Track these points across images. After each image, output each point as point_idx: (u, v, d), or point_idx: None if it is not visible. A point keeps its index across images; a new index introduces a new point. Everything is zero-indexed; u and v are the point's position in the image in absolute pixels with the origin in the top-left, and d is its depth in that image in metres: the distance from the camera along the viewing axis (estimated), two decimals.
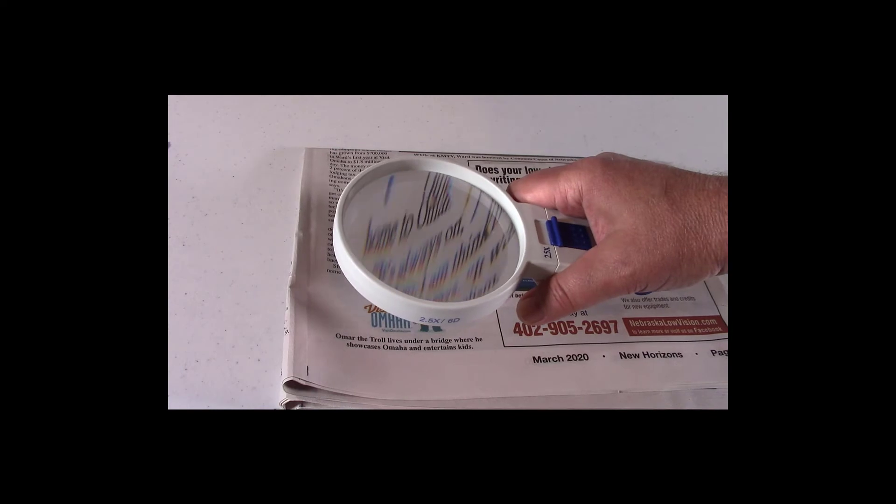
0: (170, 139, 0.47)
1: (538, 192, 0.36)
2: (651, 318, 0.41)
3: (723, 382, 0.38)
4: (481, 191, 0.38)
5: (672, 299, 0.42)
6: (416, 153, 0.48)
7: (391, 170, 0.37)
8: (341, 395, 0.34)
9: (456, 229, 0.36)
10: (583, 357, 0.38)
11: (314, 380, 0.34)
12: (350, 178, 0.45)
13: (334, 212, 0.42)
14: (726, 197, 0.31)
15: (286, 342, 0.36)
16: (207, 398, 0.35)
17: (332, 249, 0.41)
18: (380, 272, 0.32)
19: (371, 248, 0.34)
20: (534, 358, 0.38)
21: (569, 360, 0.38)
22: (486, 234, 0.36)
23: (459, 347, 0.38)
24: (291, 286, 0.38)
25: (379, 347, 0.37)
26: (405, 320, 0.37)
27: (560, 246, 0.35)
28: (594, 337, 0.39)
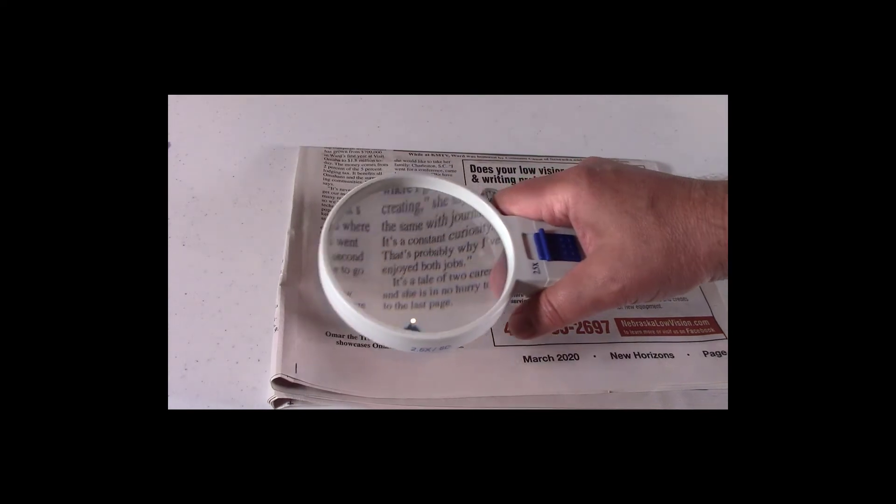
0: (170, 139, 0.47)
1: (524, 205, 0.36)
2: (643, 319, 0.40)
3: (714, 383, 0.38)
4: (467, 205, 0.37)
5: (665, 300, 0.42)
6: (411, 152, 0.48)
7: (375, 189, 0.36)
8: (330, 392, 0.34)
9: (443, 248, 0.36)
10: (573, 357, 0.38)
11: (302, 377, 0.34)
12: (344, 177, 0.45)
13: (327, 211, 0.43)
14: (712, 206, 0.31)
15: (275, 340, 0.36)
16: (207, 398, 0.35)
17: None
18: (366, 301, 0.32)
19: (357, 276, 0.33)
20: (524, 357, 0.38)
21: (559, 359, 0.38)
22: (473, 251, 0.36)
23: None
24: (282, 284, 0.38)
25: (368, 346, 0.37)
26: None
27: (548, 260, 0.34)
28: (585, 337, 0.39)
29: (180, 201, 0.43)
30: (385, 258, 0.34)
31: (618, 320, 0.40)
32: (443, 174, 0.47)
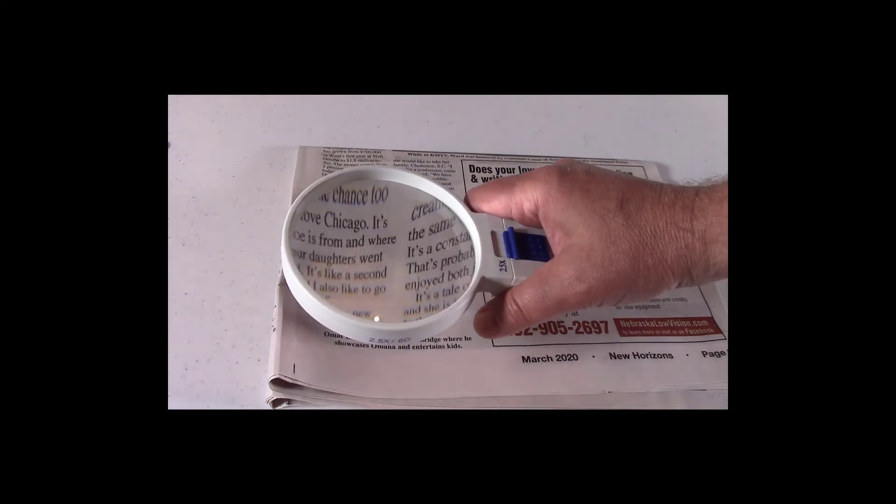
0: (170, 139, 0.47)
1: (494, 203, 0.35)
2: (642, 319, 0.40)
3: (712, 383, 0.38)
4: (438, 201, 0.37)
5: (664, 300, 0.42)
6: (410, 152, 0.48)
7: (343, 181, 0.36)
8: (328, 393, 0.34)
9: (411, 242, 0.35)
10: (572, 357, 0.38)
11: (300, 377, 0.34)
12: None
13: None
14: (681, 210, 0.31)
15: (273, 340, 0.36)
16: (207, 398, 0.35)
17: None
18: (328, 291, 0.32)
19: (319, 265, 0.33)
20: (523, 358, 0.38)
21: (558, 360, 0.38)
22: (441, 246, 0.36)
23: (448, 346, 0.37)
24: (281, 285, 0.38)
25: (367, 346, 0.37)
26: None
27: (516, 258, 0.34)
28: (584, 337, 0.39)
29: (180, 201, 0.43)
30: (350, 252, 0.34)
31: (617, 321, 0.40)
32: (442, 174, 0.47)
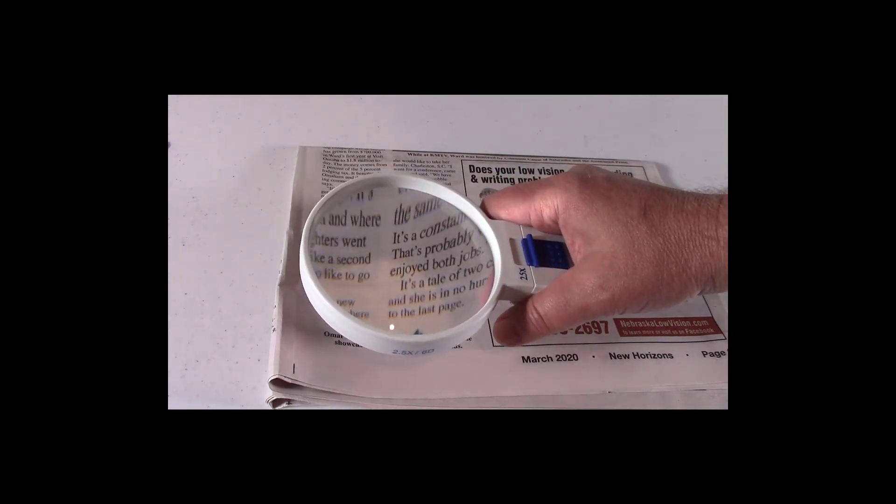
0: (170, 139, 0.47)
1: (513, 210, 0.35)
2: (642, 319, 0.40)
3: (712, 383, 0.38)
4: (455, 208, 0.37)
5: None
6: (410, 152, 0.48)
7: (360, 188, 0.36)
8: (328, 393, 0.34)
9: (429, 250, 0.35)
10: (572, 357, 0.38)
11: (300, 378, 0.34)
12: (343, 177, 0.45)
13: None
14: (706, 218, 0.31)
15: (273, 340, 0.36)
16: (207, 398, 0.35)
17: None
18: (348, 301, 0.32)
19: (339, 276, 0.33)
20: (522, 358, 0.38)
21: (558, 360, 0.38)
22: (460, 254, 0.36)
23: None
24: (280, 284, 0.38)
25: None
26: None
27: (536, 266, 0.34)
28: (584, 337, 0.39)
29: (180, 201, 0.43)
30: (369, 261, 0.34)
31: (617, 320, 0.40)
32: (442, 175, 0.47)
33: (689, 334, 0.40)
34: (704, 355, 0.39)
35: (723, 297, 0.42)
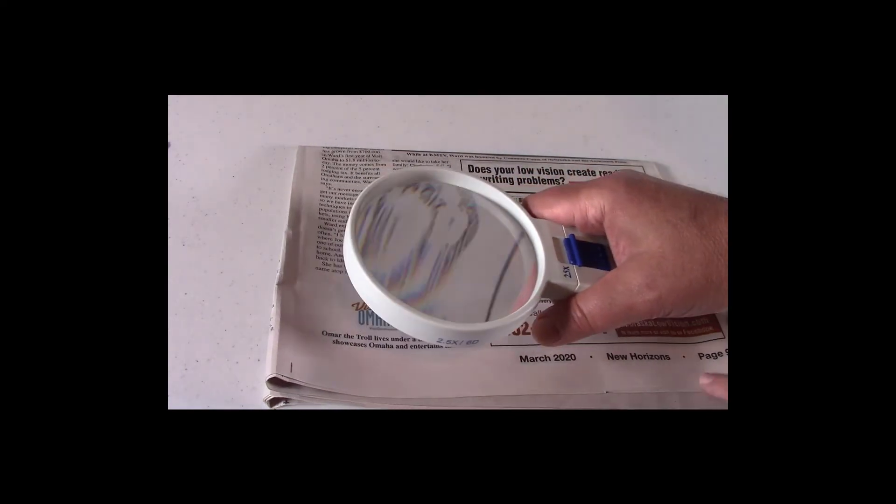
0: (170, 139, 0.47)
1: (556, 209, 0.35)
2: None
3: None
4: (497, 205, 0.37)
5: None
6: (409, 152, 0.48)
7: (404, 181, 0.36)
8: (325, 392, 0.34)
9: (472, 245, 0.35)
10: (570, 357, 0.38)
11: (298, 377, 0.34)
12: (342, 177, 0.45)
13: (325, 210, 0.43)
14: None
15: (271, 339, 0.36)
16: (207, 398, 0.35)
17: (322, 248, 0.41)
18: (395, 290, 0.32)
19: (384, 264, 0.33)
20: (521, 357, 0.38)
21: (556, 359, 0.38)
22: (502, 251, 0.36)
23: (447, 347, 0.37)
24: (279, 284, 0.38)
25: (365, 345, 0.37)
26: None
27: (580, 265, 0.34)
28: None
29: (180, 201, 0.43)
30: (413, 252, 0.34)
31: None
32: None
33: (688, 335, 0.40)
34: (701, 357, 0.39)
35: None
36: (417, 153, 0.48)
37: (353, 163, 0.47)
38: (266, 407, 0.34)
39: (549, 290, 0.34)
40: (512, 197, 0.37)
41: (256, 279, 0.39)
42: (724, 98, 0.35)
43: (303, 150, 0.47)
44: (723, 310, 0.33)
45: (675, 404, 0.37)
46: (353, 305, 0.38)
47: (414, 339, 0.37)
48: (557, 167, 0.49)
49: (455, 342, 0.32)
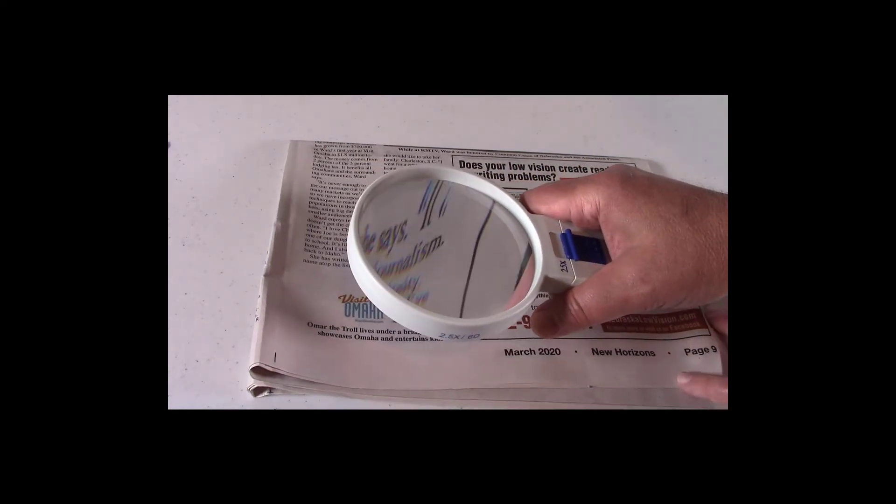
0: (170, 139, 0.47)
1: (553, 205, 0.36)
2: (627, 315, 0.40)
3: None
4: (494, 201, 0.38)
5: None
6: (401, 147, 0.48)
7: (404, 178, 0.37)
8: (309, 382, 0.35)
9: (469, 241, 0.36)
10: (555, 351, 0.38)
11: (281, 366, 0.34)
12: (333, 172, 0.46)
13: (315, 204, 0.43)
14: None
15: (256, 329, 0.36)
16: (207, 398, 0.35)
17: (311, 241, 0.41)
18: (395, 286, 0.32)
19: (385, 261, 0.33)
20: (505, 350, 0.38)
21: (540, 353, 0.38)
22: (499, 246, 0.36)
23: (431, 339, 0.37)
24: (266, 275, 0.38)
25: (351, 337, 0.37)
26: (378, 311, 0.37)
27: (576, 260, 0.35)
28: None
29: (180, 201, 0.43)
30: (412, 248, 0.34)
31: None
32: None
33: (674, 331, 0.40)
34: (687, 353, 0.39)
35: None
36: (409, 148, 0.48)
37: (345, 157, 0.47)
38: (251, 397, 0.35)
39: (547, 284, 0.34)
40: (510, 193, 0.37)
41: (256, 279, 0.39)
42: (724, 98, 0.35)
43: (295, 145, 0.47)
44: (714, 300, 0.33)
45: (659, 400, 0.37)
46: (339, 298, 0.38)
47: (400, 332, 0.37)
48: (549, 164, 0.49)
49: (457, 336, 0.32)
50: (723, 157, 0.32)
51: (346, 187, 0.45)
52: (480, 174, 0.39)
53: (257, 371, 0.34)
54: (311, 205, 0.43)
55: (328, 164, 0.46)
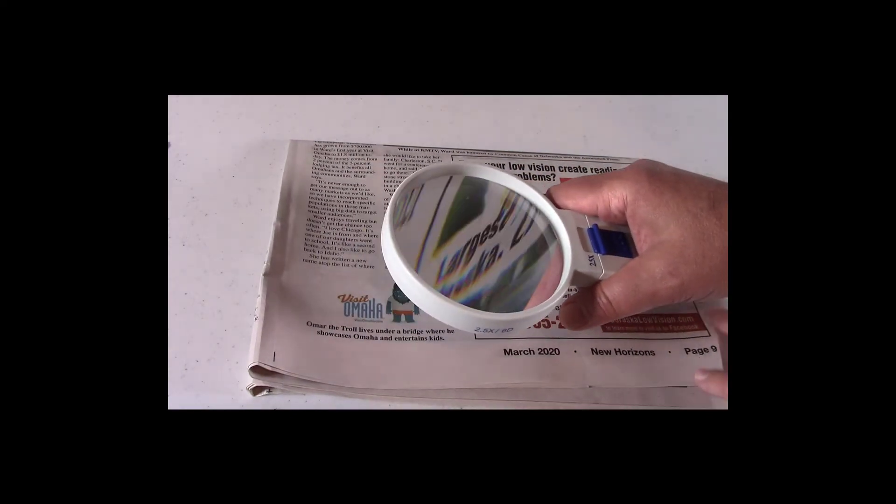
0: (170, 139, 0.47)
1: (580, 200, 0.37)
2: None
3: (693, 382, 0.37)
4: (522, 197, 0.38)
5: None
6: (400, 147, 0.48)
7: (434, 175, 0.37)
8: (308, 381, 0.35)
9: (498, 236, 0.36)
10: (554, 351, 0.38)
11: (280, 366, 0.34)
12: (333, 171, 0.46)
13: (314, 203, 0.43)
14: None
15: (255, 328, 0.36)
16: (207, 398, 0.35)
17: (311, 240, 0.41)
18: (433, 281, 0.33)
19: (422, 257, 0.34)
20: (504, 350, 0.38)
21: (540, 353, 0.38)
22: (529, 241, 0.37)
23: (430, 339, 0.38)
24: (265, 274, 0.39)
25: (350, 336, 0.37)
26: (378, 310, 0.38)
27: (603, 254, 0.35)
28: (567, 331, 0.39)
29: (180, 201, 0.43)
30: (444, 243, 0.35)
31: None
32: None
33: (674, 331, 0.40)
34: (687, 352, 0.39)
35: None
36: (408, 148, 0.48)
37: (345, 157, 0.47)
38: (250, 396, 0.35)
39: (576, 278, 0.35)
40: (538, 189, 0.38)
41: (256, 279, 0.39)
42: (724, 98, 0.35)
43: (294, 144, 0.47)
44: None
45: (658, 400, 0.37)
46: (338, 297, 0.39)
47: (399, 332, 0.38)
48: (549, 164, 0.49)
49: (491, 330, 0.33)
50: (723, 157, 0.32)
51: (346, 187, 0.45)
52: (519, 176, 0.40)
53: (256, 370, 0.34)
54: (311, 204, 0.43)
55: (328, 164, 0.46)
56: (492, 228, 0.37)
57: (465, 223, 0.36)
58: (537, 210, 0.38)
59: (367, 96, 0.52)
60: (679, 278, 0.33)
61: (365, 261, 0.41)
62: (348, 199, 0.44)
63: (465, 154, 0.49)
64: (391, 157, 0.47)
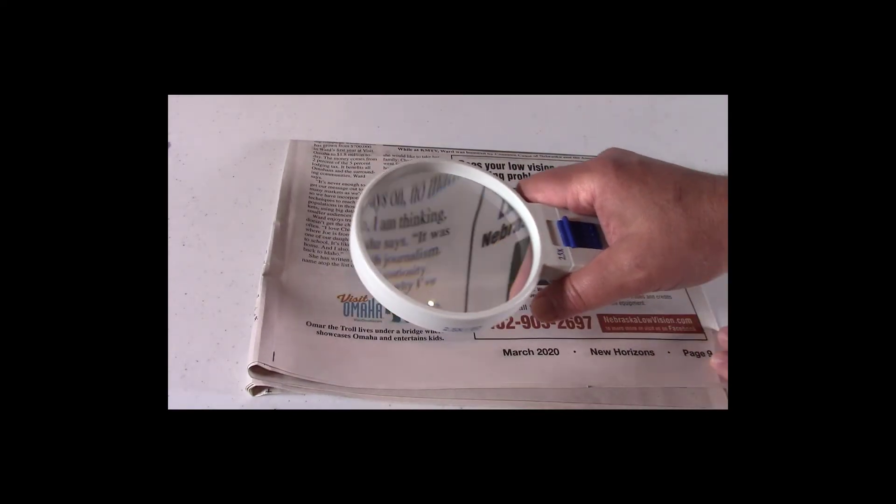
0: (170, 139, 0.47)
1: (549, 193, 0.36)
2: (625, 315, 0.40)
3: (692, 382, 0.38)
4: (491, 191, 0.38)
5: (648, 297, 0.42)
6: (400, 147, 0.48)
7: (402, 172, 0.37)
8: (307, 381, 0.35)
9: (467, 232, 0.36)
10: (553, 351, 0.38)
11: (280, 366, 0.34)
12: (333, 171, 0.46)
13: (314, 203, 0.43)
14: None
15: (254, 328, 0.36)
16: (207, 398, 0.35)
17: (310, 240, 0.41)
18: (398, 281, 0.33)
19: (387, 257, 0.34)
20: (504, 351, 0.38)
21: (539, 353, 0.38)
22: (497, 235, 0.36)
23: (430, 339, 0.38)
24: (265, 274, 0.39)
25: (349, 336, 0.37)
26: (377, 310, 0.38)
27: (573, 247, 0.35)
28: (566, 332, 0.39)
29: (180, 201, 0.43)
30: (412, 242, 0.35)
31: (600, 316, 0.40)
32: None
33: (672, 332, 0.40)
34: (686, 354, 0.39)
35: (707, 298, 0.42)
36: (408, 148, 0.49)
37: (344, 157, 0.47)
38: (250, 396, 0.35)
39: (545, 272, 0.35)
40: (507, 183, 0.37)
41: (256, 279, 0.39)
42: (724, 98, 0.35)
43: (294, 144, 0.47)
44: (709, 281, 0.35)
45: (658, 400, 0.37)
46: (338, 297, 0.39)
47: (398, 332, 0.37)
48: (549, 164, 0.49)
49: (460, 329, 0.33)
50: (723, 157, 0.32)
51: (346, 187, 0.45)
52: (494, 174, 0.39)
53: (256, 370, 0.34)
54: (311, 204, 0.44)
55: (328, 164, 0.46)
56: (461, 226, 0.36)
57: (434, 221, 0.36)
58: (508, 205, 0.37)
59: (367, 96, 0.52)
60: (646, 271, 0.33)
61: None
62: (348, 199, 0.44)
63: (465, 154, 0.49)
64: (391, 158, 0.47)
